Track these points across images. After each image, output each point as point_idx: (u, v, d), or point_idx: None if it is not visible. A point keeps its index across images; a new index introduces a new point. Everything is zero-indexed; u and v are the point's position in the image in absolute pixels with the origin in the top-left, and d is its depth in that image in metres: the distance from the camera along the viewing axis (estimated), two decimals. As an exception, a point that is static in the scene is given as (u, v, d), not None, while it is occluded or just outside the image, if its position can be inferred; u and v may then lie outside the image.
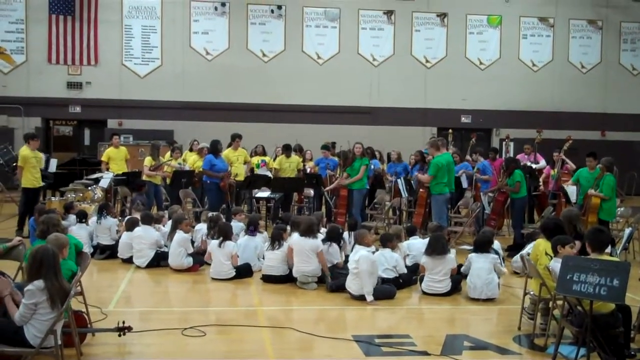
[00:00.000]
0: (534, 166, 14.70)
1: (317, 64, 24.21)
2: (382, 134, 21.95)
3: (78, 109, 23.11)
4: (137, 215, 11.16)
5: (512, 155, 17.64)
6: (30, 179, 13.35)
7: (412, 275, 9.67)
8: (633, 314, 6.83)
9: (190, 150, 16.43)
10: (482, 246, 9.06)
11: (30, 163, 13.39)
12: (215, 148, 13.98)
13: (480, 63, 25.12)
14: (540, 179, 14.25)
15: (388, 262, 9.22)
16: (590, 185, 11.53)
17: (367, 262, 8.51)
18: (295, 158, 15.04)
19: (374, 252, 8.94)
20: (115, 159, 15.23)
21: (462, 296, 9.14)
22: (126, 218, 11.44)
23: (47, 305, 5.34)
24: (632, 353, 6.58)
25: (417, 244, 10.17)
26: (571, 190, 12.22)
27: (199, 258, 10.39)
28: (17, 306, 5.44)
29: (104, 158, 15.46)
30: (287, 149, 15.18)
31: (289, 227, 10.31)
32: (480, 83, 24.73)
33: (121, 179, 14.58)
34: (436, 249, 9.04)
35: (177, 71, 23.27)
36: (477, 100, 24.55)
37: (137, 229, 10.63)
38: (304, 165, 16.47)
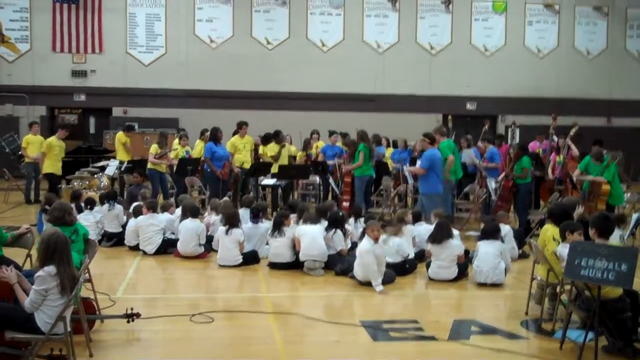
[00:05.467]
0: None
1: (321, 51, 24.15)
2: (387, 121, 21.90)
3: (83, 97, 23.12)
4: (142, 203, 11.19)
5: (517, 141, 17.58)
6: (53, 165, 14.30)
7: (417, 261, 9.68)
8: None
9: (201, 138, 16.45)
10: (490, 234, 9.07)
11: (53, 151, 14.33)
12: (215, 135, 13.98)
13: (486, 50, 25.03)
14: (549, 167, 14.20)
15: (394, 246, 9.21)
16: (599, 173, 11.53)
17: (369, 256, 8.51)
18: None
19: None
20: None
21: (469, 282, 9.16)
22: (133, 205, 11.45)
23: (57, 291, 5.35)
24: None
25: (422, 230, 10.18)
26: None
27: (207, 245, 10.41)
28: (26, 293, 5.45)
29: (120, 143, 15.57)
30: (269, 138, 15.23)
31: (292, 214, 10.31)
32: (486, 70, 24.65)
33: (128, 166, 14.62)
34: (440, 235, 9.06)
35: (181, 59, 23.24)
36: (482, 87, 24.48)
37: (142, 217, 10.65)
38: (308, 153, 16.49)
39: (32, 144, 15.94)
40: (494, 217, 9.95)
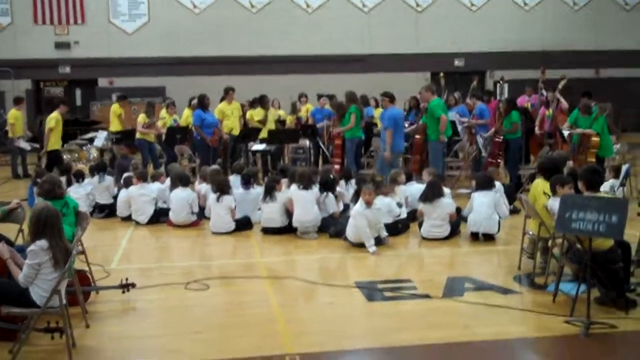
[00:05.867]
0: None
1: (306, 12, 23.92)
2: (375, 81, 21.77)
3: (68, 69, 22.89)
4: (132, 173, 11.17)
5: (506, 96, 17.56)
6: (57, 142, 14.20)
7: (410, 221, 9.72)
8: (632, 249, 6.90)
9: (189, 106, 16.36)
10: (483, 184, 9.16)
11: (58, 127, 14.10)
12: (202, 102, 13.88)
13: (472, 4, 24.83)
14: (537, 121, 14.18)
15: (383, 207, 9.22)
16: (587, 126, 11.54)
17: (362, 219, 8.52)
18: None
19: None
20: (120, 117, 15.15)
21: (462, 239, 9.22)
22: (123, 176, 11.41)
23: (50, 265, 5.34)
24: (632, 287, 6.66)
25: (414, 190, 10.20)
26: None
27: (200, 213, 10.42)
28: (20, 268, 5.45)
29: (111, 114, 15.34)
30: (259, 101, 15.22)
31: (284, 179, 10.31)
32: (472, 25, 24.48)
33: (117, 137, 14.52)
34: (431, 194, 9.09)
35: (165, 26, 22.97)
36: (469, 43, 24.33)
37: (133, 187, 10.62)
38: (298, 116, 16.44)
39: (19, 120, 15.85)
40: (485, 174, 9.99)
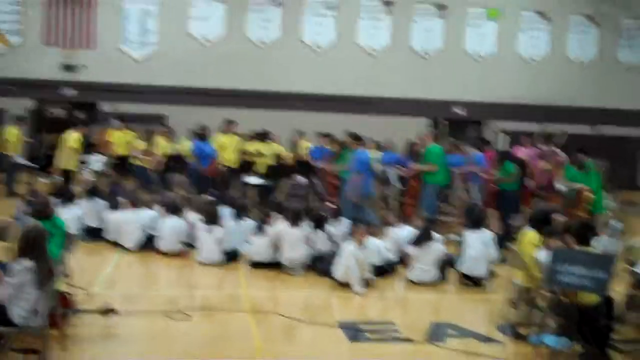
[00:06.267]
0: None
1: (314, 52, 24.13)
2: (378, 123, 21.87)
3: (73, 92, 23.00)
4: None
5: (503, 147, 17.67)
6: (75, 162, 14.18)
7: (399, 264, 9.70)
8: (616, 305, 6.88)
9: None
10: (477, 223, 9.28)
11: (79, 148, 14.22)
12: (202, 133, 13.93)
13: (479, 56, 25.07)
14: (532, 173, 14.19)
15: (373, 248, 9.21)
16: (581, 181, 11.57)
17: (350, 257, 8.51)
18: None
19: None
20: (120, 142, 15.11)
21: (449, 285, 9.19)
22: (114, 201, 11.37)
23: (33, 284, 5.33)
24: (614, 344, 6.62)
25: (405, 233, 10.19)
26: None
27: (188, 242, 10.39)
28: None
29: (109, 139, 15.28)
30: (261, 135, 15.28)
31: (276, 214, 10.31)
32: (477, 75, 24.67)
33: (116, 162, 14.56)
34: (422, 238, 9.09)
35: (173, 56, 23.14)
36: (472, 93, 24.48)
37: (124, 212, 10.62)
38: (297, 153, 16.47)
39: (18, 138, 15.90)
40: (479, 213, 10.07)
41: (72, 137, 13.95)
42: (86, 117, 22.34)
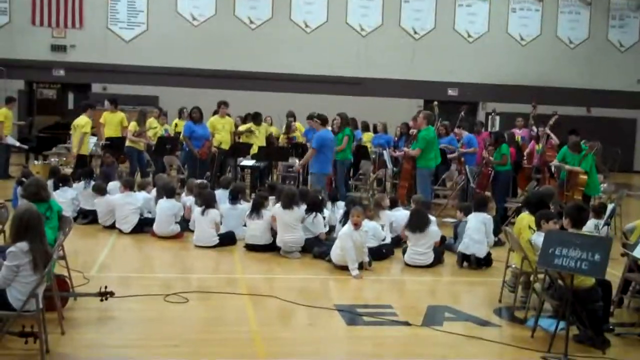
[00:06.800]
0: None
1: (304, 32, 24.04)
2: (369, 105, 21.88)
3: (62, 73, 22.84)
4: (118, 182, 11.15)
5: (497, 128, 17.68)
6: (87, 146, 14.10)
7: (394, 246, 9.72)
8: (613, 289, 6.92)
9: (180, 117, 16.36)
10: (480, 206, 9.37)
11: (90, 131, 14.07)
12: (193, 114, 13.87)
13: (469, 36, 25.04)
14: (525, 153, 14.27)
15: (369, 231, 9.22)
16: (576, 164, 11.60)
17: (348, 241, 8.51)
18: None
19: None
20: (110, 123, 14.92)
21: (445, 268, 9.23)
22: (93, 183, 11.29)
23: (29, 268, 5.29)
24: (611, 327, 6.66)
25: (399, 216, 10.21)
26: None
27: (184, 225, 10.38)
28: (-1, 268, 5.40)
29: (101, 120, 15.08)
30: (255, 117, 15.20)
31: (271, 196, 10.30)
32: (468, 56, 24.68)
33: (106, 144, 14.45)
34: (417, 223, 9.10)
35: (162, 36, 23.01)
36: (464, 73, 24.51)
37: (119, 195, 10.59)
38: (290, 136, 16.44)
39: (9, 119, 15.79)
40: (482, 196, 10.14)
41: (84, 122, 13.80)
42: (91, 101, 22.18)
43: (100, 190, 10.77)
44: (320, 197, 10.30)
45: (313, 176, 12.19)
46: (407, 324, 6.76)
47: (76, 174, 11.86)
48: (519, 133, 15.58)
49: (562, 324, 6.06)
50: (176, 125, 16.39)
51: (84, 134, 13.66)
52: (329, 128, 12.61)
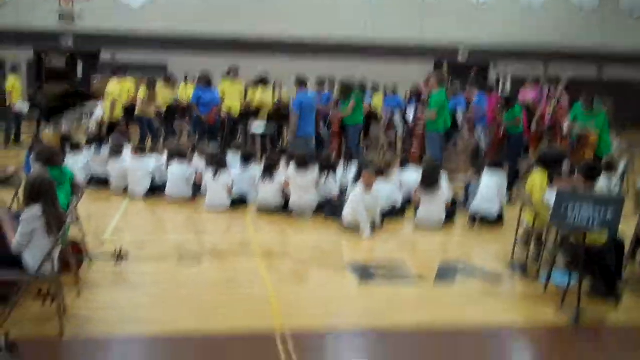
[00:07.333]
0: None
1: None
2: (378, 69, 21.72)
3: (70, 42, 22.77)
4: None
5: (508, 90, 17.55)
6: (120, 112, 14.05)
7: (406, 205, 9.73)
8: (625, 246, 6.92)
9: (185, 83, 16.29)
10: (495, 165, 9.42)
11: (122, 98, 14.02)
12: (202, 80, 13.83)
13: (479, -1, 24.75)
14: (537, 116, 14.15)
15: (383, 193, 9.22)
16: (587, 122, 11.52)
17: (359, 201, 8.52)
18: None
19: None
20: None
21: (457, 226, 9.25)
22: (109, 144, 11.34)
23: (43, 231, 5.34)
24: (624, 279, 6.68)
25: (411, 176, 10.20)
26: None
27: (196, 190, 10.42)
28: (14, 233, 5.44)
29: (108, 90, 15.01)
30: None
31: (282, 159, 10.32)
32: (478, 18, 24.40)
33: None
34: (429, 182, 9.10)
35: (171, 3, 22.85)
36: (474, 36, 24.26)
37: (131, 160, 10.62)
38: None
39: (17, 89, 15.82)
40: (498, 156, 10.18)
41: (113, 87, 13.76)
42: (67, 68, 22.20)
43: (117, 150, 10.81)
44: (332, 159, 10.31)
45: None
46: (420, 280, 6.80)
47: (87, 140, 11.87)
48: (529, 94, 15.44)
49: (574, 279, 6.07)
50: (185, 89, 16.31)
51: (114, 100, 13.64)
52: (308, 90, 12.83)
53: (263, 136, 14.37)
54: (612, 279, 6.33)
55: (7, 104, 15.76)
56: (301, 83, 12.51)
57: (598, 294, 6.32)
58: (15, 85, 15.81)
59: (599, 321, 5.82)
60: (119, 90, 13.78)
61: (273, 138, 14.50)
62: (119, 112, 13.89)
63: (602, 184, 9.12)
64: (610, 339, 5.78)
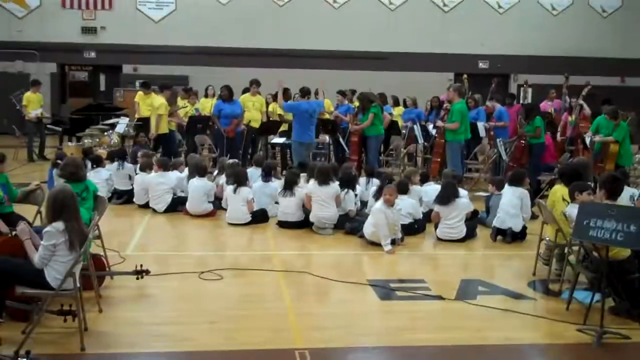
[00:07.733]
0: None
1: (332, 8, 23.89)
2: (398, 79, 21.71)
3: (93, 54, 23.02)
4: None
5: (529, 101, 17.44)
6: (166, 125, 13.93)
7: (426, 221, 9.69)
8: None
9: (206, 96, 16.37)
10: (516, 180, 9.26)
11: (166, 112, 13.86)
12: (224, 93, 13.89)
13: (499, 7, 24.67)
14: (559, 127, 14.08)
15: (404, 208, 9.20)
16: (609, 133, 11.44)
17: (380, 216, 8.50)
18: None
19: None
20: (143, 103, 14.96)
21: (478, 241, 9.19)
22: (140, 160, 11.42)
23: (65, 247, 5.36)
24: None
25: (431, 191, 10.16)
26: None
27: (217, 203, 10.46)
28: (37, 249, 5.48)
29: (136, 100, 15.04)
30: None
31: (303, 173, 10.33)
32: (499, 27, 24.33)
33: (138, 124, 14.54)
34: (446, 195, 9.07)
35: (191, 16, 23.03)
36: (495, 45, 24.18)
37: (152, 175, 10.69)
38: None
39: (32, 102, 16.02)
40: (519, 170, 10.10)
41: (159, 103, 13.76)
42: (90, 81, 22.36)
43: (148, 166, 10.91)
44: (354, 174, 10.30)
45: (293, 143, 12.69)
46: (440, 298, 6.76)
47: (109, 154, 11.95)
48: (550, 105, 15.37)
49: (597, 296, 6.01)
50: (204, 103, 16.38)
51: (159, 115, 13.64)
52: (309, 99, 13.04)
53: (283, 148, 14.41)
54: (635, 295, 6.24)
55: (25, 117, 15.96)
56: (303, 93, 12.96)
57: (621, 312, 6.24)
58: (30, 98, 16.01)
59: (623, 339, 5.74)
60: (164, 106, 13.73)
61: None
62: (164, 127, 13.87)
63: (626, 196, 9.01)
64: (634, 357, 5.70)
